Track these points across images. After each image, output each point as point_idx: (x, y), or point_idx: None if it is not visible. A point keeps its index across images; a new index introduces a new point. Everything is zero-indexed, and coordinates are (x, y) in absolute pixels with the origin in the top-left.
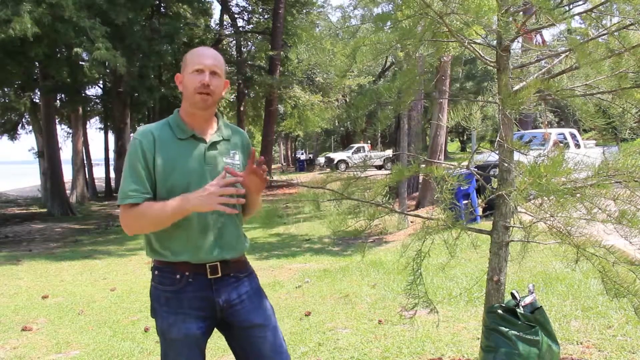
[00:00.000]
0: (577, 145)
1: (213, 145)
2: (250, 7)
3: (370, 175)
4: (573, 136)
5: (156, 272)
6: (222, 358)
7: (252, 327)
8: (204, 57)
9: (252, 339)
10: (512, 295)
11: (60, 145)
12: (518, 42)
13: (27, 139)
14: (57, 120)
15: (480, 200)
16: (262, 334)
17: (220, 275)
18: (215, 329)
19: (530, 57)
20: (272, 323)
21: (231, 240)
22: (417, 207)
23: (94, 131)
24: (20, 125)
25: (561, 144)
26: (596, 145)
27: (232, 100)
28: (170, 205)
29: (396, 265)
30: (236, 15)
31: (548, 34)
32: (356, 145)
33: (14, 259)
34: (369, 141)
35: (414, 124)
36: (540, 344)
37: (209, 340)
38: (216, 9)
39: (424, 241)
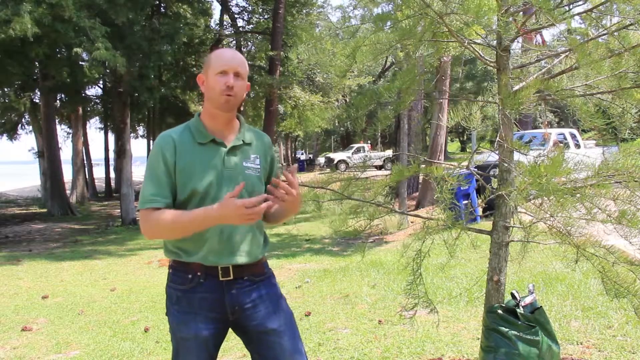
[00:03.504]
0: (577, 145)
1: (233, 149)
2: (250, 7)
3: (371, 176)
4: (573, 136)
5: (170, 271)
6: (222, 358)
7: (266, 331)
8: (229, 59)
9: (268, 344)
10: (512, 295)
11: (60, 145)
12: (518, 42)
13: (27, 139)
14: (57, 120)
15: (480, 200)
16: (278, 339)
17: (232, 278)
18: (233, 332)
19: (530, 57)
20: (289, 328)
21: (245, 244)
22: (417, 207)
23: (94, 131)
24: (20, 125)
25: (561, 144)
26: (596, 145)
27: None
28: (195, 214)
29: (396, 265)
30: (236, 15)
31: (548, 34)
32: (356, 145)
33: (14, 259)
34: (369, 141)
35: (414, 124)
36: (540, 344)
37: None
38: (216, 9)
39: (424, 241)
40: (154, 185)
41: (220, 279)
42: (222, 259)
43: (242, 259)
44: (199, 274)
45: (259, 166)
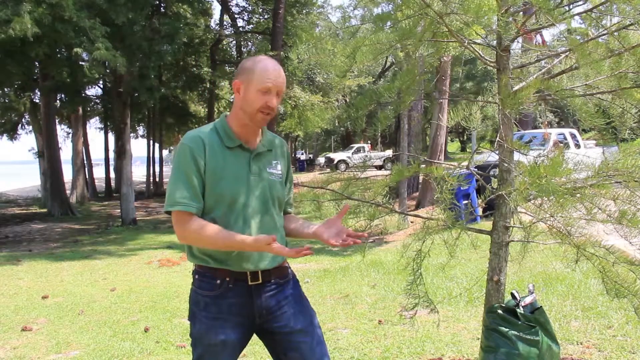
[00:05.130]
0: (577, 145)
1: (258, 155)
2: (250, 7)
3: (371, 176)
4: (573, 136)
5: (196, 277)
6: None
7: (292, 332)
8: (275, 77)
9: (294, 344)
10: (512, 295)
11: (60, 145)
12: (518, 42)
13: (27, 139)
14: (57, 120)
15: (480, 201)
16: (304, 339)
17: (260, 281)
18: (255, 336)
19: (530, 57)
20: (314, 328)
21: None
22: (417, 207)
23: (94, 131)
24: (20, 125)
25: (561, 144)
26: (596, 145)
27: (231, 100)
28: (234, 240)
29: (396, 265)
30: (236, 15)
31: (548, 34)
32: (356, 145)
33: (14, 259)
34: (369, 141)
35: (414, 124)
36: (540, 344)
37: None
38: (216, 9)
39: (424, 241)
40: (186, 187)
41: (250, 283)
42: (251, 264)
43: (270, 262)
44: (227, 279)
45: (280, 172)
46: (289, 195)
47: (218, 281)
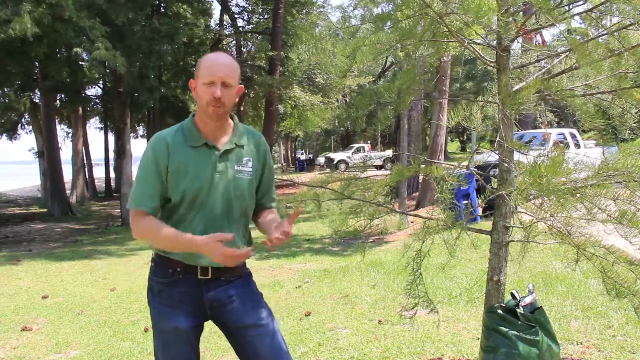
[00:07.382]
0: (577, 145)
1: (225, 153)
2: (250, 7)
3: (371, 176)
4: (573, 136)
5: (152, 264)
6: (222, 358)
7: (244, 327)
8: (216, 68)
9: (247, 339)
10: (512, 295)
11: (60, 145)
12: (518, 42)
13: (27, 139)
14: (57, 120)
15: (480, 200)
16: (257, 333)
17: (210, 277)
18: (218, 329)
19: (530, 57)
20: (267, 324)
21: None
22: (417, 207)
23: (94, 131)
24: (20, 125)
25: (561, 144)
26: (596, 145)
27: None
28: (182, 240)
29: (396, 265)
30: (236, 15)
31: (548, 34)
32: (356, 145)
33: (14, 259)
34: (369, 141)
35: (414, 124)
36: (540, 344)
37: (209, 339)
38: (216, 9)
39: (424, 241)
40: (145, 188)
41: (198, 277)
42: (203, 261)
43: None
44: (178, 269)
45: (251, 169)
46: (267, 190)
47: (170, 270)
